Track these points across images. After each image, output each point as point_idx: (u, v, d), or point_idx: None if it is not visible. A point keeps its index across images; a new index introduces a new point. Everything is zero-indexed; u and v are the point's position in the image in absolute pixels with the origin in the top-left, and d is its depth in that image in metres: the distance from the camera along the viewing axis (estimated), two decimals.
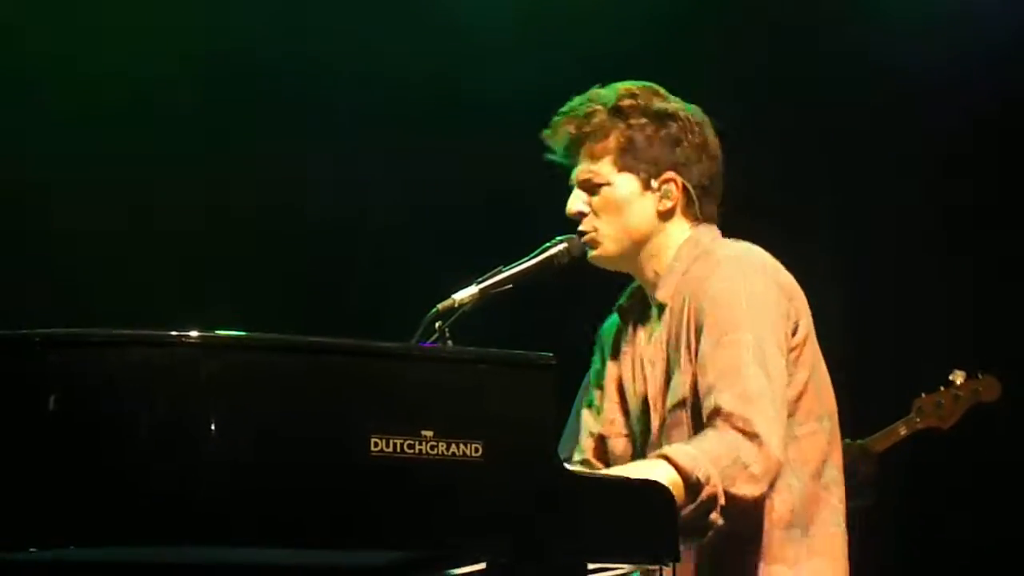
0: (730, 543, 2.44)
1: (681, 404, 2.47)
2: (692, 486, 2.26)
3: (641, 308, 2.67)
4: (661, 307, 2.56)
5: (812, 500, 2.51)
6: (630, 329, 2.68)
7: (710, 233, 2.60)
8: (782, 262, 2.65)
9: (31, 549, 2.00)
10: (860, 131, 4.59)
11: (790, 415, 2.46)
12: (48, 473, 1.97)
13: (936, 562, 4.10)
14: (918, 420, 3.89)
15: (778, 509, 2.48)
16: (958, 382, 3.93)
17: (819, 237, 4.08)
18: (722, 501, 2.29)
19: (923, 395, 3.89)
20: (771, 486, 2.43)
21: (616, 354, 2.69)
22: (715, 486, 2.28)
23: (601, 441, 2.61)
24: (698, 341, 2.46)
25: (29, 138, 4.44)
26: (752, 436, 2.35)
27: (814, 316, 2.60)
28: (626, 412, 2.67)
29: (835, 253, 3.93)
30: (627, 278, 2.70)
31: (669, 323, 2.54)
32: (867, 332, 3.08)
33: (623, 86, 2.60)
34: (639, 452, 2.61)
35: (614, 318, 2.74)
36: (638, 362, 2.63)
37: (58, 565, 2.20)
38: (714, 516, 2.29)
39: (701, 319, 2.46)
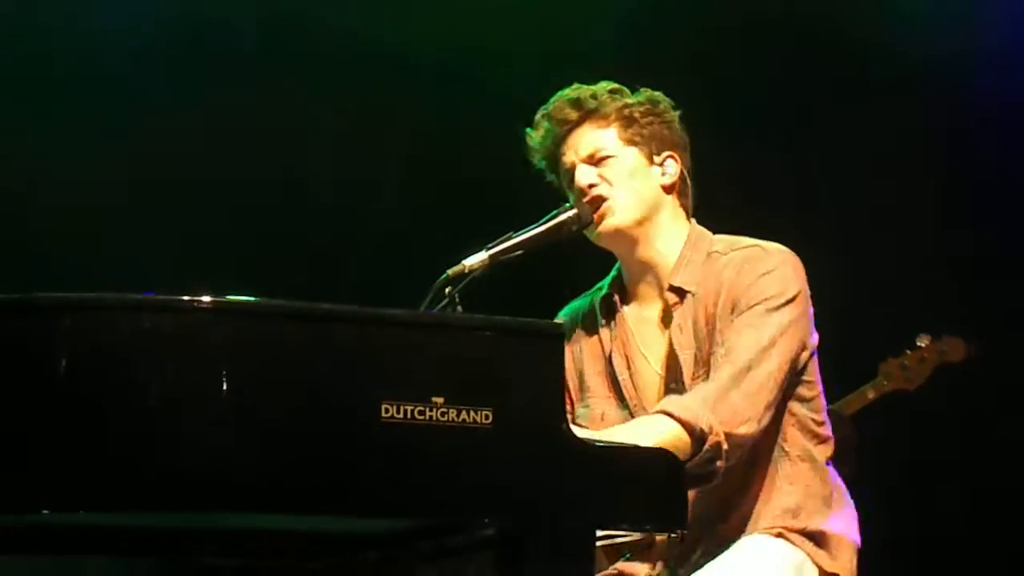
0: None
1: (700, 374, 2.53)
2: (697, 438, 2.31)
3: (620, 297, 2.71)
4: (681, 293, 2.60)
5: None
6: (610, 320, 2.72)
7: (705, 229, 2.69)
8: (750, 229, 2.74)
9: (43, 511, 1.97)
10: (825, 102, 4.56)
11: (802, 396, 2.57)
12: (59, 437, 1.96)
13: (921, 530, 4.10)
14: (885, 383, 3.92)
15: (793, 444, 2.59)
16: (923, 344, 3.95)
17: (783, 204, 4.07)
18: (725, 446, 2.36)
19: (888, 359, 3.92)
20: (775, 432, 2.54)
21: (596, 348, 2.73)
22: (718, 434, 2.35)
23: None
24: (732, 321, 2.52)
25: None
26: (754, 386, 2.44)
27: None
28: (619, 405, 2.69)
29: (800, 222, 3.82)
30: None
31: (696, 310, 2.58)
32: (832, 297, 3.13)
33: (605, 82, 2.68)
34: None
35: (573, 310, 2.79)
36: (646, 342, 2.66)
37: (70, 529, 2.19)
38: (720, 463, 2.36)
39: (742, 303, 2.52)
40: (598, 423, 2.57)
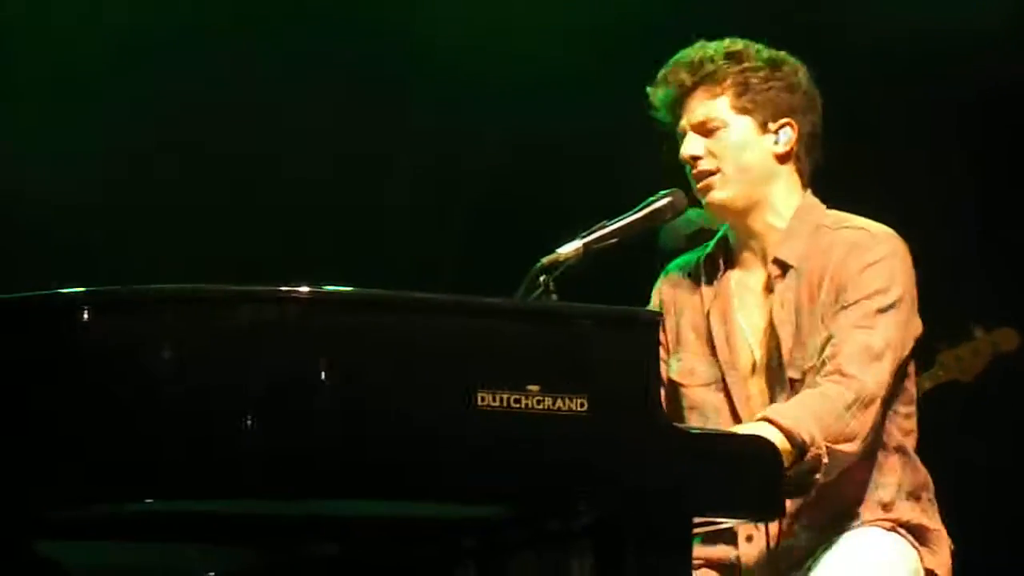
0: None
1: (812, 369, 2.48)
2: (797, 447, 2.28)
3: (725, 260, 2.66)
4: (784, 266, 2.56)
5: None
6: (712, 280, 2.66)
7: (819, 201, 2.62)
8: None
9: (147, 500, 1.97)
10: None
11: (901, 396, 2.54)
12: (164, 428, 1.96)
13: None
14: (941, 373, 3.88)
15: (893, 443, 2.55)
16: (978, 335, 3.92)
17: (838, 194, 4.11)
18: (826, 460, 2.31)
19: (945, 349, 3.88)
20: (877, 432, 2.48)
21: (696, 304, 2.68)
22: (820, 446, 2.30)
23: (673, 389, 2.59)
24: (838, 306, 2.48)
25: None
26: (867, 394, 2.39)
27: None
28: (710, 363, 2.64)
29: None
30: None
31: (799, 286, 2.54)
32: None
33: (731, 39, 2.59)
34: (733, 409, 2.59)
35: (682, 263, 2.73)
36: (746, 320, 2.62)
37: (173, 517, 2.16)
38: (819, 476, 2.31)
39: (854, 288, 2.48)
40: (687, 376, 2.55)
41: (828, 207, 2.67)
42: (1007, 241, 4.33)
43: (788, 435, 2.28)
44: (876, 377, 2.41)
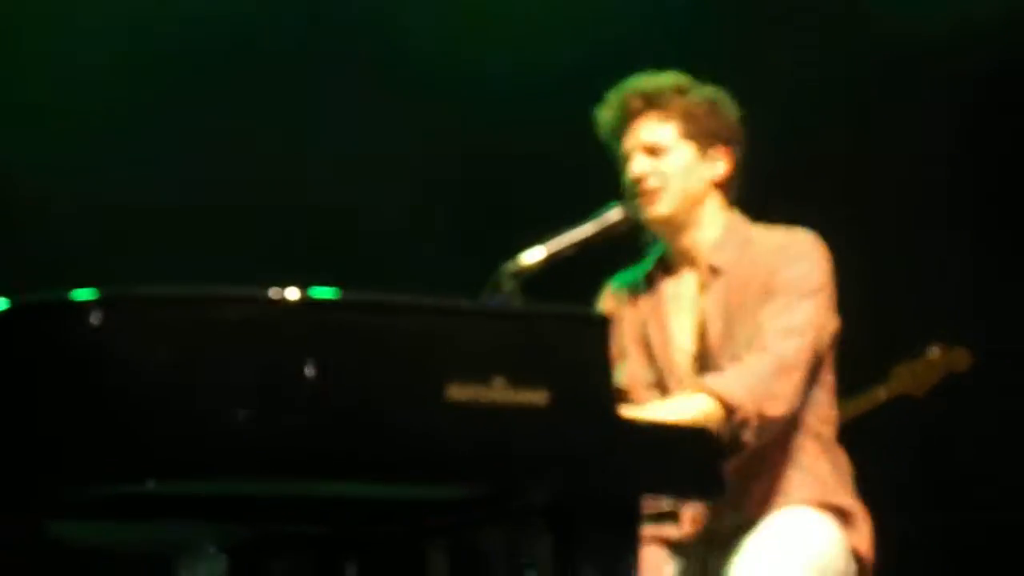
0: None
1: (740, 356, 2.64)
2: (731, 413, 2.46)
3: (659, 272, 2.82)
4: (716, 271, 2.72)
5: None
6: (649, 292, 2.83)
7: (744, 218, 2.78)
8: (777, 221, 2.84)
9: (149, 482, 2.04)
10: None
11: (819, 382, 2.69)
12: (163, 415, 2.02)
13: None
14: (895, 385, 3.92)
15: (808, 422, 2.70)
16: (933, 353, 3.96)
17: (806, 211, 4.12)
18: (755, 422, 2.49)
19: (900, 363, 3.92)
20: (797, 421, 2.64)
21: (635, 315, 2.83)
22: (749, 411, 2.48)
23: (620, 393, 2.66)
24: (767, 300, 2.63)
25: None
26: (786, 368, 2.56)
27: None
28: (650, 366, 2.79)
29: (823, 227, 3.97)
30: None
31: (728, 288, 2.70)
32: (846, 304, 3.25)
33: (678, 73, 2.74)
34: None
35: (621, 279, 2.88)
36: (680, 321, 2.79)
37: (170, 498, 2.23)
38: (748, 436, 2.49)
39: (777, 284, 2.64)
40: (631, 380, 2.68)
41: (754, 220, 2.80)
42: (976, 267, 4.32)
43: (719, 399, 2.46)
44: (795, 347, 2.58)
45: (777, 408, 2.54)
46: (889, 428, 3.97)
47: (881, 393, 3.91)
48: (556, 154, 3.98)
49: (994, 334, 4.20)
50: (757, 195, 3.05)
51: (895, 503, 3.27)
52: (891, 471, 3.75)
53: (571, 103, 3.29)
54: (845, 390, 3.62)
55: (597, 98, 2.91)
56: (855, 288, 3.20)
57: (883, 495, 2.95)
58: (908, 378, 3.94)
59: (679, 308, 2.78)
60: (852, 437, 3.01)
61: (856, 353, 3.34)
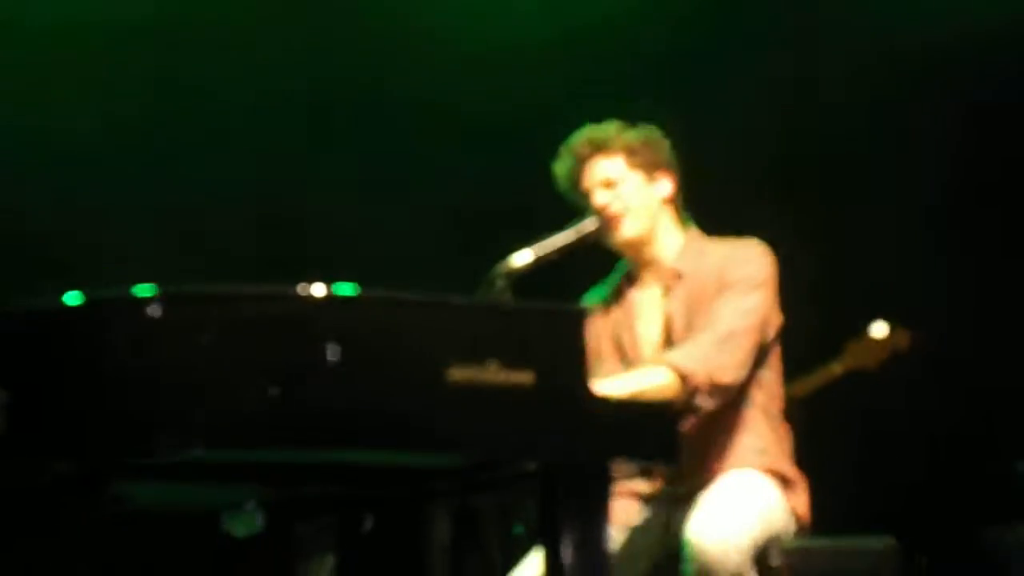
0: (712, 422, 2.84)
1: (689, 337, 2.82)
2: (685, 381, 2.67)
3: (627, 282, 3.03)
4: (679, 275, 2.93)
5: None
6: (618, 298, 3.04)
7: (701, 232, 2.95)
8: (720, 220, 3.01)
9: (197, 451, 2.17)
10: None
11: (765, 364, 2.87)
12: (211, 395, 2.16)
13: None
14: (849, 359, 3.97)
15: (759, 409, 2.89)
16: (879, 330, 3.99)
17: (758, 191, 4.15)
18: (707, 390, 2.73)
19: (853, 340, 3.97)
20: (746, 394, 2.84)
21: (607, 323, 3.04)
22: (701, 380, 2.71)
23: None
24: (718, 297, 2.84)
25: None
26: (731, 343, 2.78)
27: None
28: (621, 365, 2.97)
29: (774, 209, 3.97)
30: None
31: (690, 285, 2.91)
32: (794, 287, 3.32)
33: (615, 121, 2.99)
34: None
35: (595, 294, 3.10)
36: (645, 318, 3.01)
37: (214, 464, 2.34)
38: (702, 400, 2.72)
39: (727, 283, 2.85)
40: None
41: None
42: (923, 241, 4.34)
43: (675, 368, 2.68)
44: (743, 325, 2.81)
45: (726, 376, 2.75)
46: (837, 403, 3.99)
47: (836, 368, 3.99)
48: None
49: (943, 315, 4.20)
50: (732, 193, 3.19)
51: (837, 472, 3.37)
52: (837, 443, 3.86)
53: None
54: (805, 366, 3.79)
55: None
56: (811, 273, 3.35)
57: (826, 465, 3.07)
58: (858, 354, 4.01)
59: (646, 311, 3.00)
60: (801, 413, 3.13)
61: (816, 331, 3.53)
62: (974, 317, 4.40)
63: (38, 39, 4.46)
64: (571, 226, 2.90)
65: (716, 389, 2.76)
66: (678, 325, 2.89)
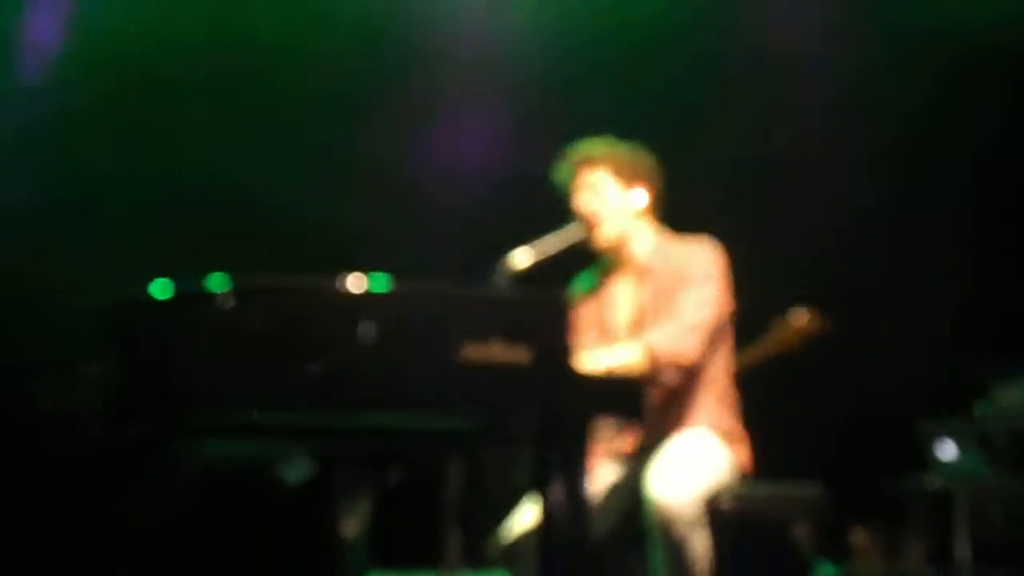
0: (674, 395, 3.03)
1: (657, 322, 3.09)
2: (652, 356, 2.88)
3: (607, 273, 3.22)
4: (647, 273, 3.11)
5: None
6: (600, 287, 3.23)
7: (668, 234, 3.15)
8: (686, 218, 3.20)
9: (252, 412, 2.40)
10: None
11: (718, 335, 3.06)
12: (268, 365, 2.33)
13: None
14: (774, 338, 4.00)
15: (713, 381, 3.11)
16: (796, 315, 4.01)
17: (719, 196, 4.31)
18: (670, 365, 2.94)
19: (777, 320, 3.98)
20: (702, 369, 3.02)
21: (590, 309, 3.23)
22: (665, 358, 2.92)
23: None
24: (681, 288, 3.04)
25: None
26: (692, 329, 2.98)
27: None
28: (602, 339, 3.15)
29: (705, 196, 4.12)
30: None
31: (659, 281, 3.10)
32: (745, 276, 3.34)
33: (603, 138, 3.19)
34: None
35: (586, 280, 3.28)
36: (618, 304, 3.21)
37: (268, 426, 2.54)
38: (667, 375, 2.94)
39: (688, 277, 3.05)
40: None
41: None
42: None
43: (647, 348, 2.87)
44: (701, 316, 3.01)
45: (686, 357, 2.97)
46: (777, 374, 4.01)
47: (763, 347, 4.02)
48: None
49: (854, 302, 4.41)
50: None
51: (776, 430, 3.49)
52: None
53: None
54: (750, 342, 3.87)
55: None
56: (753, 265, 3.41)
57: (767, 424, 3.28)
58: (781, 335, 4.04)
59: (621, 299, 3.22)
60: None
61: (750, 314, 3.53)
62: (885, 304, 4.67)
63: None
64: (561, 230, 3.14)
65: (679, 368, 2.98)
66: (647, 312, 3.11)
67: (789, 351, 4.04)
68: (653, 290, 3.16)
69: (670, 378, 2.99)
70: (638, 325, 3.15)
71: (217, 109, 4.67)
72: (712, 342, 3.10)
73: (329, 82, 4.73)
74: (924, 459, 4.68)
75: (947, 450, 4.64)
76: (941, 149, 4.75)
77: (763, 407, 3.32)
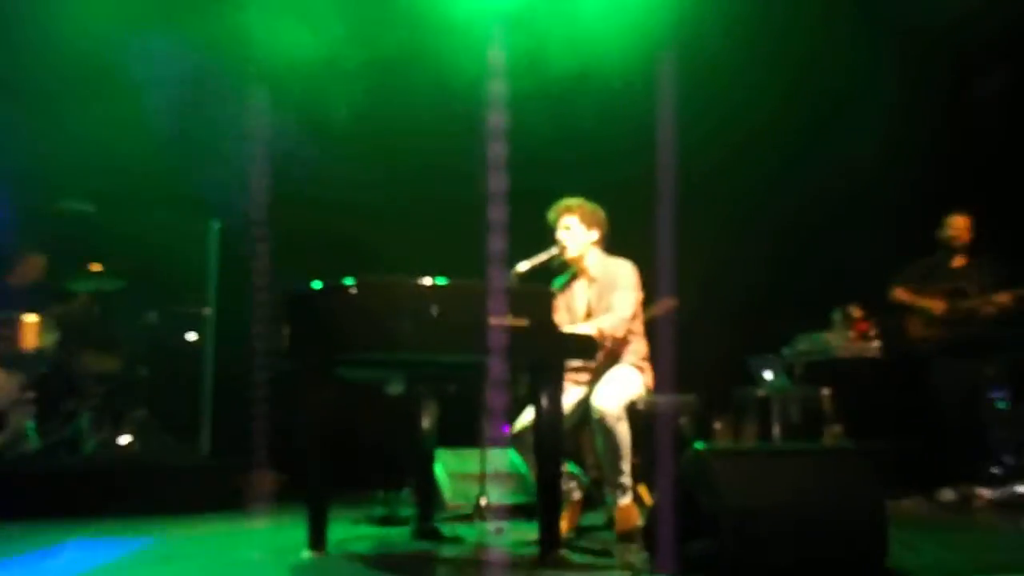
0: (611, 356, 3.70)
1: (603, 311, 3.84)
2: (600, 332, 3.58)
3: (572, 278, 3.87)
4: (594, 279, 3.84)
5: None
6: (567, 287, 3.91)
7: (608, 256, 3.85)
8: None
9: (377, 353, 3.02)
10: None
11: (634, 317, 3.76)
12: (390, 329, 2.95)
13: None
14: (652, 311, 4.66)
15: (632, 337, 3.78)
16: (665, 300, 4.74)
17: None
18: (608, 336, 3.66)
19: (653, 303, 4.55)
20: (626, 337, 3.68)
21: (565, 298, 3.89)
22: (606, 332, 3.65)
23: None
24: (613, 292, 3.78)
25: None
26: (620, 316, 3.77)
27: None
28: (570, 319, 3.82)
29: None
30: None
31: (601, 285, 3.83)
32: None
33: (578, 199, 3.91)
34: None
35: (560, 281, 3.90)
36: (577, 297, 3.93)
37: (374, 361, 3.22)
38: (607, 343, 3.66)
39: (616, 284, 3.79)
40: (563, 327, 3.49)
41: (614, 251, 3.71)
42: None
43: (597, 327, 3.61)
44: (625, 311, 3.74)
45: (618, 332, 3.70)
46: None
47: (649, 313, 4.50)
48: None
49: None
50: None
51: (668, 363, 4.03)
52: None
53: None
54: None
55: None
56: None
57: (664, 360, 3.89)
58: (657, 309, 4.78)
59: (579, 295, 3.90)
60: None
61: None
62: (729, 289, 5.50)
63: None
64: (546, 249, 3.83)
65: (613, 336, 3.69)
66: (594, 305, 3.84)
67: (662, 317, 4.71)
68: (598, 291, 3.89)
69: (608, 343, 3.72)
70: (590, 313, 3.91)
71: None
72: (632, 319, 3.88)
73: None
74: (754, 380, 5.79)
75: (767, 374, 5.83)
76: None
77: (664, 351, 4.00)
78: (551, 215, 3.87)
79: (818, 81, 5.48)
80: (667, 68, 4.61)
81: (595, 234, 3.90)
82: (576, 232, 3.89)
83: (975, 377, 4.98)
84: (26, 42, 4.60)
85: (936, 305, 5.01)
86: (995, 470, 5.09)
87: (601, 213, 3.91)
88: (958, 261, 5.16)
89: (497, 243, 3.73)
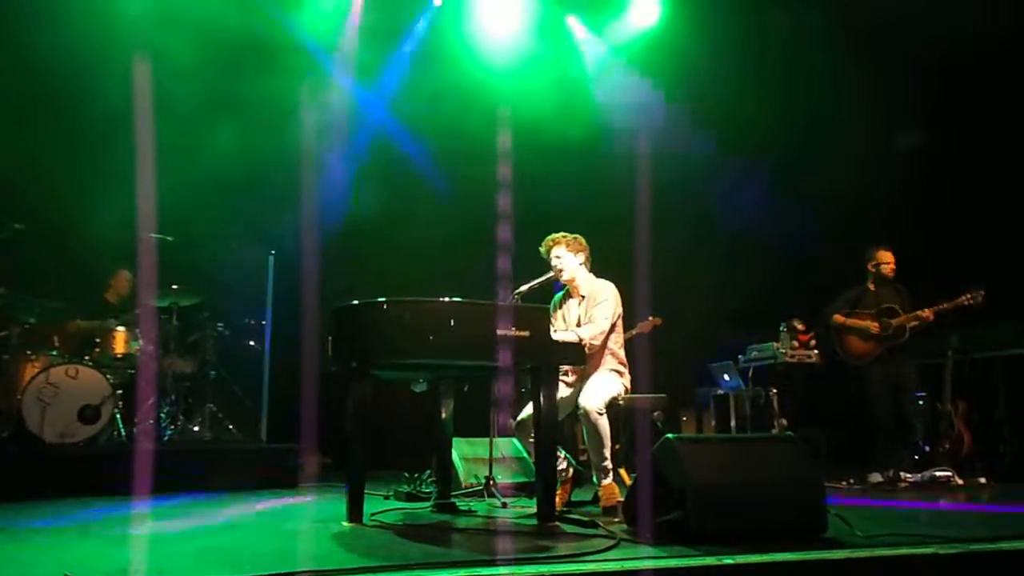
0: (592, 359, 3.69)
1: (586, 322, 3.87)
2: (581, 339, 3.57)
3: (567, 295, 3.90)
4: (582, 296, 3.80)
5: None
6: (563, 302, 3.92)
7: (594, 276, 3.83)
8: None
9: (404, 362, 3.06)
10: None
11: (613, 329, 3.75)
12: (403, 341, 3.00)
13: None
14: (640, 328, 4.85)
15: (611, 348, 3.80)
16: (647, 320, 4.70)
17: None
18: (587, 345, 3.62)
19: (642, 320, 4.65)
20: (605, 344, 3.67)
21: (561, 311, 3.91)
22: (586, 340, 3.63)
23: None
24: (594, 306, 3.72)
25: None
26: (599, 329, 3.69)
27: None
28: (566, 327, 3.83)
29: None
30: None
31: (587, 301, 3.84)
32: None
33: (562, 232, 3.83)
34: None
35: (557, 297, 3.93)
36: (571, 311, 3.91)
37: (412, 364, 3.22)
38: (588, 348, 3.62)
39: (598, 300, 3.73)
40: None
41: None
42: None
43: (578, 335, 3.58)
44: (604, 323, 3.71)
45: (597, 340, 3.69)
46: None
47: (638, 328, 4.75)
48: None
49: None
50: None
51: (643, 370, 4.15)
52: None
53: None
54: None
55: None
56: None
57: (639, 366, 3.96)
58: (643, 327, 4.85)
59: (572, 309, 3.90)
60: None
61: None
62: (693, 308, 5.45)
63: None
64: (544, 275, 3.87)
65: (591, 345, 3.69)
66: (583, 317, 3.87)
67: (648, 333, 4.90)
68: (585, 306, 3.93)
69: (591, 349, 3.73)
70: (578, 324, 3.96)
71: None
72: (611, 330, 3.84)
73: None
74: (715, 381, 5.86)
75: (725, 377, 5.89)
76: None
77: (641, 359, 4.18)
78: (543, 249, 3.91)
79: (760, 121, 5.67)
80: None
81: (581, 257, 3.94)
82: (566, 259, 3.95)
83: (900, 380, 5.02)
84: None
85: (872, 325, 5.03)
86: (916, 457, 5.20)
87: (582, 240, 3.94)
88: (881, 287, 5.18)
89: (503, 266, 3.94)
